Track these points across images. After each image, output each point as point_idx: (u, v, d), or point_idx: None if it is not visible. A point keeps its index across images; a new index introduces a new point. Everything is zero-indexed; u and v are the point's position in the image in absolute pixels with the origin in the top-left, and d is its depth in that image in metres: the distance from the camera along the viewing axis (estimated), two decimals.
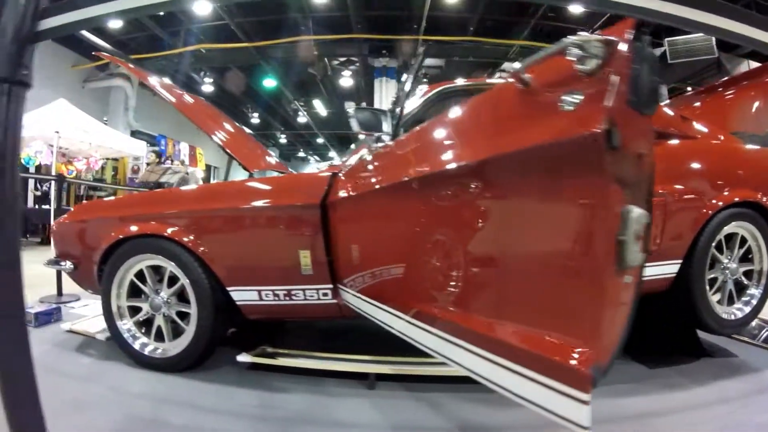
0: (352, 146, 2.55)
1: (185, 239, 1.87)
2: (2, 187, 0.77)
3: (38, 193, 7.48)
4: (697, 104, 2.78)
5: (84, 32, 8.68)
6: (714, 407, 1.60)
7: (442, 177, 1.14)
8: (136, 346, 1.99)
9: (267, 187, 2.03)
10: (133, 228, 1.96)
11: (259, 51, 10.19)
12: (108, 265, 2.02)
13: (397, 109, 1.68)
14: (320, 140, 22.48)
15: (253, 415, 1.56)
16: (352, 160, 1.93)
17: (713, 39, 7.73)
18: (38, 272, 4.22)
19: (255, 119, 17.06)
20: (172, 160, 9.73)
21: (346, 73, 12.08)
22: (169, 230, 1.89)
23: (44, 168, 7.58)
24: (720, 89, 2.77)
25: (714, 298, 2.11)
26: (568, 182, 0.81)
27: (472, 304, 1.06)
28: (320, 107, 16.47)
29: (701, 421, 1.50)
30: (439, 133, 1.33)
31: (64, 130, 6.96)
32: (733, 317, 2.14)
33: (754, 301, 2.18)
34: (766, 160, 2.45)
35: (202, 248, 1.86)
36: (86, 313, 2.81)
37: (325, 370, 1.85)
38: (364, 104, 12.39)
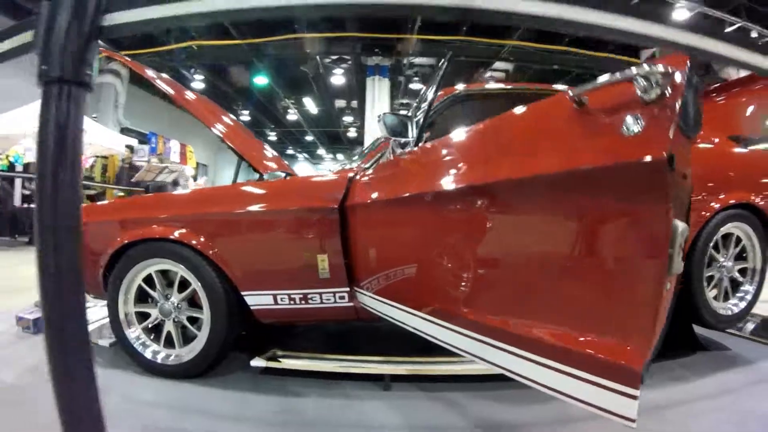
0: (364, 149, 2.53)
1: (199, 243, 1.84)
2: (67, 193, 0.74)
3: (27, 192, 7.35)
4: None
5: None
6: (718, 398, 1.69)
7: (488, 189, 1.18)
8: (148, 354, 1.94)
9: (285, 190, 2.01)
10: (143, 231, 1.92)
11: (252, 48, 10.12)
12: (115, 271, 1.97)
13: (420, 115, 1.70)
14: (309, 138, 22.42)
15: (274, 422, 1.55)
16: (369, 163, 1.95)
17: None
18: (30, 274, 4.18)
19: (245, 116, 16.92)
20: (159, 158, 9.60)
21: (338, 71, 12.08)
22: (183, 234, 1.86)
23: (33, 166, 7.45)
24: (714, 94, 2.88)
25: (710, 294, 2.22)
26: (629, 200, 0.89)
27: (523, 311, 1.09)
28: (311, 105, 16.43)
29: (707, 411, 1.59)
30: (476, 144, 1.35)
31: None
32: (729, 312, 2.25)
33: (749, 297, 2.30)
34: (758, 162, 2.58)
35: (216, 252, 1.84)
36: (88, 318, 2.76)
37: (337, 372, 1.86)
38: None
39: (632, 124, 0.86)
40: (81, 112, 0.75)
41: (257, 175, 2.34)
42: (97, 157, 8.43)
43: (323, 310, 1.83)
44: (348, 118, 18.46)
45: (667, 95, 0.83)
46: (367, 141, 11.93)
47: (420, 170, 1.56)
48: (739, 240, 2.33)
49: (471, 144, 1.38)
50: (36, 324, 2.44)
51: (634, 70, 0.85)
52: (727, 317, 2.25)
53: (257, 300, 1.86)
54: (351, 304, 1.81)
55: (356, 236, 1.74)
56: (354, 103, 15.86)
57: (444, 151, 1.47)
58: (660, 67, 0.82)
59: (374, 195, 1.71)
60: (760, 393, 1.76)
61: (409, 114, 1.73)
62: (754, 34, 7.85)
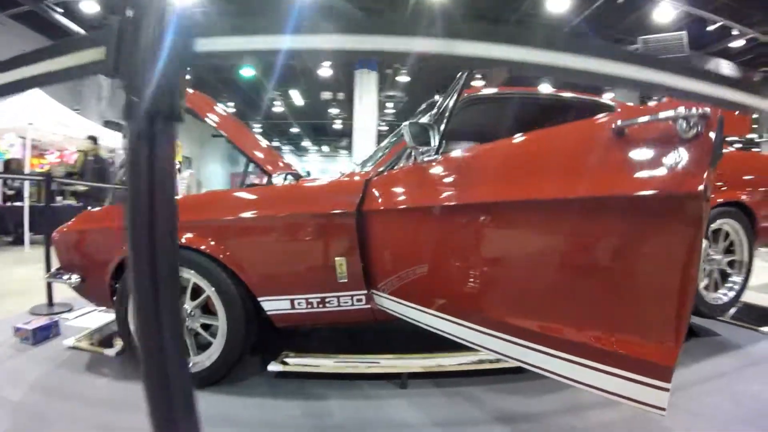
0: (378, 152, 2.53)
1: (215, 250, 1.81)
2: (164, 241, 0.63)
3: (11, 192, 7.10)
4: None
5: (54, 14, 8.26)
6: (714, 381, 1.83)
7: (533, 206, 1.25)
8: None
9: (302, 195, 1.99)
10: None
11: None
12: (123, 279, 1.89)
13: (443, 124, 1.73)
14: (295, 129, 22.22)
15: (300, 426, 1.55)
16: (384, 167, 1.91)
17: (685, 38, 8.17)
18: (18, 277, 4.06)
19: (231, 108, 16.67)
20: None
21: (325, 63, 11.99)
22: (197, 240, 1.82)
23: (15, 162, 7.23)
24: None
25: (701, 285, 2.37)
26: (666, 222, 1.03)
27: (567, 318, 1.19)
28: (297, 97, 16.28)
29: (705, 393, 1.72)
30: (511, 159, 1.42)
31: (38, 121, 6.66)
32: (719, 302, 2.41)
33: (737, 287, 2.47)
34: (744, 162, 2.75)
35: (232, 259, 1.80)
36: (85, 325, 2.60)
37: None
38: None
39: (672, 158, 1.00)
40: (174, 148, 0.65)
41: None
42: (80, 151, 8.23)
43: (340, 313, 1.84)
44: (334, 110, 18.35)
45: (703, 134, 0.98)
46: (356, 134, 11.92)
47: (452, 180, 1.58)
48: (727, 234, 2.49)
49: (505, 158, 1.43)
50: (35, 335, 2.34)
51: (674, 111, 0.99)
52: (718, 306, 2.41)
53: (274, 305, 1.85)
54: (368, 306, 1.82)
55: (377, 240, 1.74)
56: (341, 95, 15.77)
57: (475, 163, 1.51)
58: (698, 110, 0.96)
59: (398, 201, 1.71)
60: (751, 375, 1.91)
61: (430, 122, 1.75)
62: (735, 32, 8.13)
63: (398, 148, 2.00)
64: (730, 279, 2.49)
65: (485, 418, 1.60)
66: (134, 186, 0.61)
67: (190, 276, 1.84)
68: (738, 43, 9.10)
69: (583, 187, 1.14)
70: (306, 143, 26.51)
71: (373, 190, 1.79)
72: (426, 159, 1.64)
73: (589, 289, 1.17)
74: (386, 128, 16.60)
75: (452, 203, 1.49)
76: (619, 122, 1.11)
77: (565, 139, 1.30)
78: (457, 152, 1.66)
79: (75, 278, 2.01)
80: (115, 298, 1.92)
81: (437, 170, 1.62)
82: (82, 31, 8.76)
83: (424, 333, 1.59)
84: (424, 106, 2.60)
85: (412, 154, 1.76)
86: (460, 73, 1.88)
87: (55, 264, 2.18)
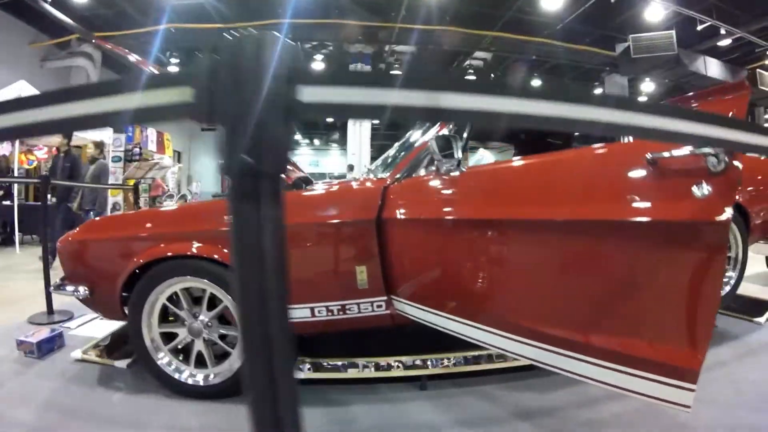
0: (391, 157, 2.50)
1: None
2: (275, 306, 0.58)
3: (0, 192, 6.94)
4: None
5: (44, 4, 8.06)
6: (714, 370, 1.94)
7: (573, 226, 1.32)
8: (184, 378, 1.86)
9: (319, 202, 1.96)
10: (170, 248, 1.81)
11: (233, 32, 9.86)
12: (136, 292, 1.84)
13: (464, 135, 1.73)
14: None
15: None
16: (402, 173, 1.89)
17: (674, 36, 8.34)
18: (9, 283, 3.89)
19: None
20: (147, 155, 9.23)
21: (318, 56, 11.92)
22: (214, 251, 1.77)
23: (3, 159, 7.09)
24: (694, 101, 3.09)
25: None
26: (696, 244, 1.18)
27: (604, 329, 1.29)
28: None
29: (707, 381, 1.78)
30: (542, 178, 1.47)
31: None
32: None
33: (732, 282, 2.58)
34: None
35: None
36: (89, 334, 2.51)
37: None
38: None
39: (702, 190, 1.14)
40: (283, 208, 0.58)
41: None
42: (48, 147, 8.09)
43: (360, 319, 1.83)
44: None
45: (730, 169, 1.13)
46: (349, 129, 11.92)
47: (481, 195, 1.62)
48: None
49: (536, 177, 1.49)
50: (40, 348, 2.24)
51: (705, 149, 1.13)
52: None
53: (294, 314, 1.81)
54: (388, 311, 1.82)
55: (399, 248, 1.74)
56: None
57: (508, 180, 1.56)
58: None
59: (423, 211, 1.72)
60: (748, 363, 2.04)
61: (453, 133, 1.78)
62: (722, 31, 8.32)
63: (413, 154, 1.99)
64: (726, 275, 2.60)
65: (505, 416, 1.66)
66: (241, 249, 0.56)
67: (207, 287, 1.82)
68: (725, 42, 9.31)
69: (622, 211, 1.24)
70: (297, 136, 26.32)
71: (393, 197, 1.77)
72: (450, 171, 1.66)
73: (624, 302, 1.28)
74: (378, 123, 16.55)
75: (487, 218, 1.52)
76: (651, 155, 1.22)
77: (599, 162, 1.40)
78: (485, 167, 1.70)
79: (83, 290, 1.93)
80: (127, 311, 1.88)
81: (464, 184, 1.64)
82: (71, 22, 8.57)
83: (437, 332, 1.63)
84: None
85: (435, 163, 1.76)
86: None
87: (51, 271, 2.11)
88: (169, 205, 8.67)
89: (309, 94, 0.55)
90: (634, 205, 1.25)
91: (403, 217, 1.72)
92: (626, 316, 1.26)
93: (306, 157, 28.08)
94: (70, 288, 1.96)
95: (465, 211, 1.60)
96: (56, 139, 7.44)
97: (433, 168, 1.80)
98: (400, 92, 0.56)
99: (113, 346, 2.25)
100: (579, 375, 1.25)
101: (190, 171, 18.24)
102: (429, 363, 1.92)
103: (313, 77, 0.56)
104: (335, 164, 20.91)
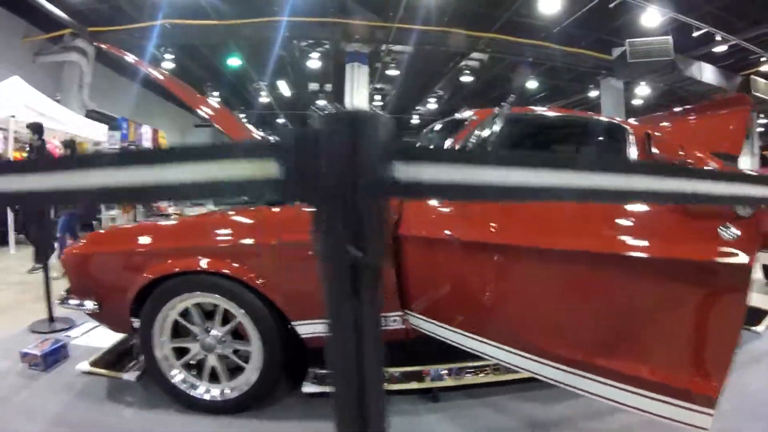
0: None
1: (246, 276, 1.73)
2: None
3: None
4: (665, 124, 3.03)
5: None
6: None
7: (606, 259, 1.36)
8: (199, 393, 1.84)
9: None
10: (179, 263, 1.78)
11: (228, 30, 9.74)
12: (146, 308, 1.81)
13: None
14: (280, 120, 21.89)
15: None
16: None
17: (671, 42, 8.40)
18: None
19: (215, 97, 16.29)
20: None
21: (314, 54, 11.83)
22: (227, 266, 1.76)
23: None
24: (693, 113, 3.11)
25: None
26: (721, 282, 1.26)
27: (631, 356, 1.34)
28: (284, 88, 16.03)
29: None
30: (574, 210, 1.49)
31: (20, 113, 6.38)
32: None
33: None
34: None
35: (265, 284, 1.74)
36: (93, 343, 2.46)
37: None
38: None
39: (730, 232, 1.22)
40: (381, 295, 0.56)
41: None
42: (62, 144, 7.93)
43: None
44: (321, 102, 18.16)
45: (757, 216, 1.23)
46: None
47: (499, 216, 1.62)
48: None
49: (567, 207, 1.50)
50: (45, 360, 2.19)
51: None
52: None
53: (309, 329, 1.80)
54: (403, 326, 1.82)
55: (418, 264, 1.73)
56: (328, 87, 15.62)
57: (526, 204, 1.54)
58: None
59: (438, 229, 1.73)
60: (750, 372, 2.09)
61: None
62: (718, 38, 8.40)
63: None
64: None
65: (518, 427, 1.69)
66: (341, 345, 0.54)
67: (220, 302, 1.80)
68: (720, 48, 9.41)
69: (654, 248, 1.30)
70: None
71: (410, 213, 1.76)
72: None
73: (653, 332, 1.33)
74: None
75: (515, 244, 1.52)
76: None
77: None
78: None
79: (91, 305, 1.89)
80: (137, 326, 1.86)
81: (481, 204, 1.63)
82: (65, 16, 8.39)
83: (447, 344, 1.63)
84: (439, 125, 2.64)
85: None
86: (500, 106, 1.93)
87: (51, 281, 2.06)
88: (164, 204, 8.58)
89: (406, 172, 0.51)
90: (665, 243, 1.30)
91: (419, 235, 1.71)
92: (653, 344, 1.32)
93: None
94: (75, 302, 1.93)
95: (481, 234, 1.60)
96: (46, 136, 7.33)
97: None
98: (498, 170, 0.54)
99: (119, 357, 2.20)
100: (606, 398, 1.30)
101: None
102: (442, 373, 1.93)
103: (410, 154, 0.52)
104: None
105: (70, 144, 5.24)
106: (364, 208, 0.48)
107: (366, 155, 0.48)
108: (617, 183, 0.62)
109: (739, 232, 1.20)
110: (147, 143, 10.13)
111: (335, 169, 0.48)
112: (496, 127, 2.02)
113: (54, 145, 7.45)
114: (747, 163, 10.25)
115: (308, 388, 1.85)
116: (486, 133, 2.15)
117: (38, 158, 4.53)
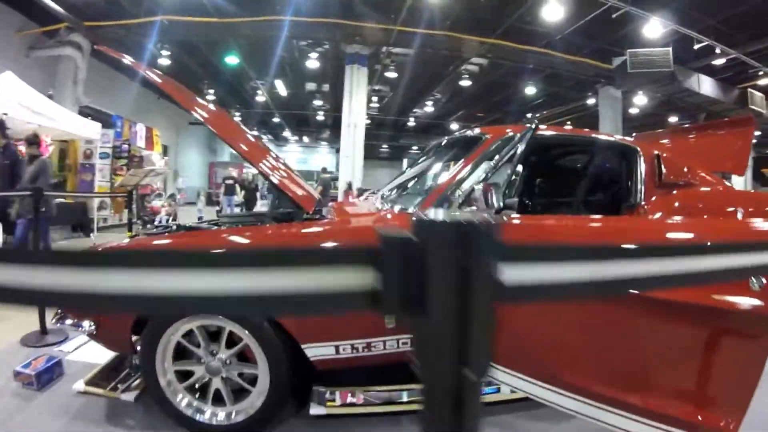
0: (409, 180, 2.45)
1: None
2: None
3: None
4: (665, 141, 3.05)
5: None
6: None
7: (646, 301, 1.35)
8: (206, 419, 1.81)
9: (348, 234, 1.87)
10: None
11: (228, 27, 9.61)
12: (147, 331, 1.77)
13: (501, 185, 1.74)
14: (276, 119, 21.74)
15: None
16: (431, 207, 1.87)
17: (671, 53, 8.43)
18: None
19: (211, 95, 16.12)
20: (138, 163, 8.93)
21: (313, 54, 11.73)
22: None
23: None
24: (698, 131, 3.09)
25: None
26: (745, 330, 1.34)
27: (655, 392, 1.38)
28: (281, 87, 15.90)
29: None
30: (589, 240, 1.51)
31: (12, 110, 6.21)
32: None
33: None
34: (752, 199, 2.86)
35: None
36: (88, 359, 2.39)
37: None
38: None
39: (757, 281, 1.25)
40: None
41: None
42: (54, 141, 7.77)
43: (385, 356, 1.81)
44: (318, 102, 18.05)
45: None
46: (344, 130, 11.75)
47: None
48: None
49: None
50: (39, 379, 2.11)
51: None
52: None
53: (318, 351, 1.79)
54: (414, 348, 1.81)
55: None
56: (325, 87, 15.53)
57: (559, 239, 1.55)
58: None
59: None
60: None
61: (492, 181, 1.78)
62: (718, 50, 8.45)
63: (444, 187, 1.95)
64: None
65: None
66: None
67: (226, 325, 1.76)
68: (719, 61, 9.46)
69: (699, 296, 1.32)
70: (287, 134, 25.99)
71: None
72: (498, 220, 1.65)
73: (680, 373, 1.39)
74: (368, 122, 16.44)
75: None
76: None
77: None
78: (534, 219, 1.68)
79: (89, 326, 1.83)
80: (139, 350, 1.83)
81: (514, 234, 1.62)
82: (60, 10, 8.21)
83: None
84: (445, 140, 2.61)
85: (473, 204, 1.73)
86: (522, 133, 1.92)
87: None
88: (158, 204, 8.46)
89: (513, 274, 0.47)
90: (705, 291, 1.32)
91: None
92: (681, 385, 1.37)
93: (294, 155, 27.76)
94: (71, 321, 1.87)
95: None
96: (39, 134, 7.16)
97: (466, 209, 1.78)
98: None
99: (115, 373, 2.15)
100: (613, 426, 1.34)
101: (177, 165, 17.83)
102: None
103: (517, 254, 0.48)
104: (324, 162, 20.71)
105: (33, 140, 4.55)
106: (477, 322, 0.43)
107: (469, 259, 0.42)
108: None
109: (764, 281, 1.26)
110: (141, 142, 9.97)
111: (440, 276, 0.43)
112: (520, 149, 1.98)
113: (46, 143, 7.30)
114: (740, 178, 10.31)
115: (315, 410, 1.85)
116: (508, 154, 2.09)
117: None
